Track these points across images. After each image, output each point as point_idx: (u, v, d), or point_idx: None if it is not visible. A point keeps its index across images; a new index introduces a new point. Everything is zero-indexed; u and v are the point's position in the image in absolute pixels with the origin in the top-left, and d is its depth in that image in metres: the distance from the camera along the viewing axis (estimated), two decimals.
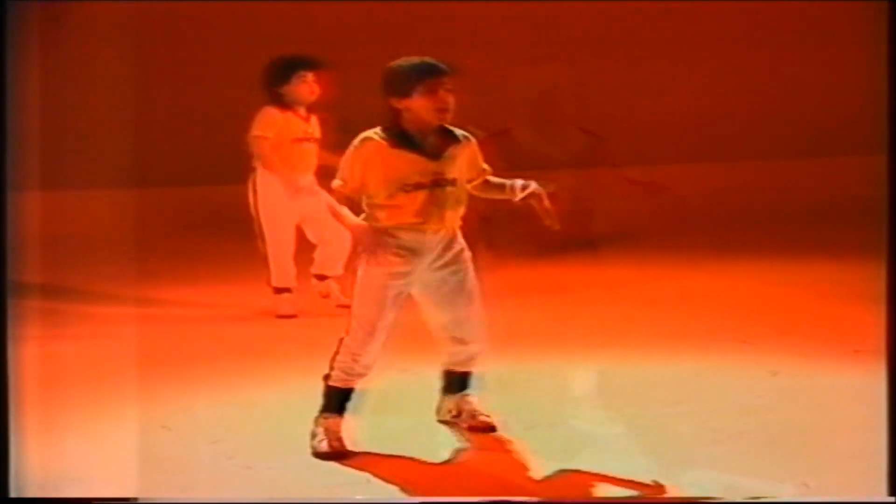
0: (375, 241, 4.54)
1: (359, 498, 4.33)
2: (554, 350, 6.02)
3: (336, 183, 4.60)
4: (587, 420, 5.05)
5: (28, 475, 4.14)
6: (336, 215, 4.64)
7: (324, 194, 4.94)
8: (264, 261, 6.96)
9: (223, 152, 8.04)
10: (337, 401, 4.66)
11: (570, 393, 5.50)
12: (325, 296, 6.98)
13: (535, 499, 4.31)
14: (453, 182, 4.59)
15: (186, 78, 10.23)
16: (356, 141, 4.57)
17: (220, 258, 8.52)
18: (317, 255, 7.03)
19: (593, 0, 10.54)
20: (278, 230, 6.90)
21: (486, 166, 4.74)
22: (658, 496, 4.25)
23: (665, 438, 4.75)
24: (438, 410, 4.93)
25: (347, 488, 4.34)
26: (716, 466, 4.46)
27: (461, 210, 4.65)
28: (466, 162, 4.65)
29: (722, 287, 7.56)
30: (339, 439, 4.62)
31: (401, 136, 4.53)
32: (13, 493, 4.05)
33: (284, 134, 6.81)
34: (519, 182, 4.71)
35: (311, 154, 6.79)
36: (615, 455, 4.59)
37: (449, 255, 4.65)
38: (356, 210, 4.61)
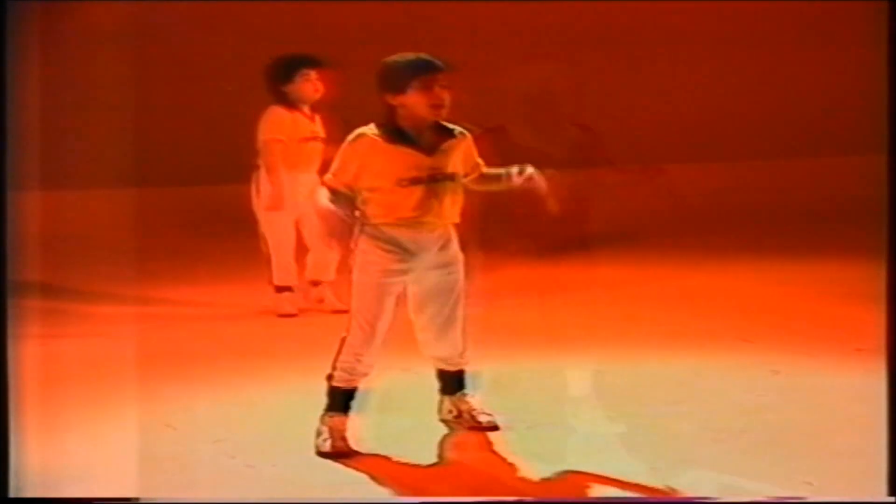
0: (343, 226, 4.53)
1: (359, 498, 4.33)
2: (554, 350, 6.01)
3: (327, 177, 4.61)
4: (588, 420, 5.05)
5: (28, 475, 4.14)
6: (314, 204, 4.64)
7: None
8: (266, 260, 6.96)
9: (223, 152, 8.04)
10: (341, 400, 4.66)
11: (571, 393, 5.49)
12: (320, 301, 6.98)
13: (533, 499, 4.31)
14: (450, 177, 4.59)
15: (186, 78, 10.23)
16: (350, 136, 4.58)
17: (221, 258, 8.52)
18: (309, 259, 7.03)
19: None
20: (280, 229, 6.91)
21: (479, 160, 4.74)
22: (658, 496, 4.25)
23: (666, 438, 4.75)
24: (440, 410, 4.94)
25: (349, 488, 4.34)
26: (716, 466, 4.46)
27: (459, 205, 4.65)
28: (462, 157, 4.65)
29: (722, 286, 7.56)
30: (344, 438, 4.62)
31: (396, 132, 4.53)
32: (13, 493, 4.05)
33: (293, 134, 6.81)
34: (515, 169, 4.71)
35: (317, 153, 6.79)
36: (615, 455, 4.59)
37: (445, 255, 4.65)
38: (349, 206, 4.61)
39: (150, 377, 5.51)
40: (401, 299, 4.67)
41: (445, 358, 4.84)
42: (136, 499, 4.22)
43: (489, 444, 4.74)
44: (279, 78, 6.86)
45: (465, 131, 4.67)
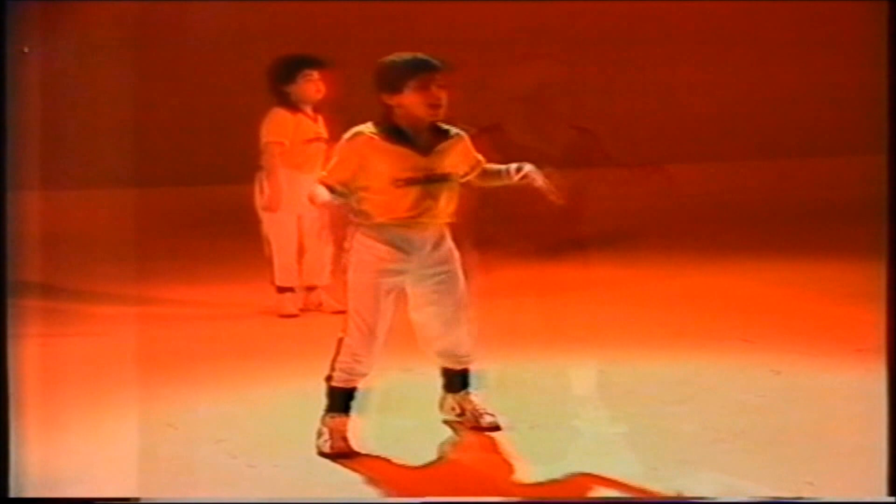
0: (344, 218, 4.53)
1: (360, 498, 4.33)
2: (555, 350, 6.01)
3: (322, 174, 4.60)
4: (588, 420, 5.05)
5: (28, 475, 4.14)
6: (311, 199, 4.64)
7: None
8: (268, 260, 6.96)
9: (223, 152, 8.06)
10: (341, 401, 4.66)
11: (572, 393, 5.49)
12: (318, 305, 6.97)
13: (533, 499, 4.31)
14: (445, 177, 4.59)
15: (186, 78, 10.24)
16: (347, 135, 4.57)
17: (221, 258, 8.52)
18: (304, 264, 7.02)
19: None
20: (283, 230, 6.91)
21: (480, 157, 4.74)
22: (658, 496, 4.25)
23: (667, 438, 4.75)
24: (441, 406, 4.94)
25: (350, 488, 4.34)
26: (718, 466, 4.46)
27: (453, 205, 4.65)
28: (459, 157, 4.65)
29: (724, 287, 7.56)
30: (345, 439, 4.62)
31: (393, 131, 4.53)
32: (13, 493, 4.05)
33: (296, 135, 6.81)
34: (514, 165, 4.71)
35: (320, 154, 6.78)
36: (616, 455, 4.59)
37: (439, 252, 4.64)
38: (345, 204, 4.60)
39: (150, 377, 5.51)
40: (400, 299, 4.67)
41: (451, 356, 4.83)
42: (137, 499, 4.22)
43: (490, 444, 4.74)
44: (281, 78, 6.85)
45: (460, 132, 4.67)
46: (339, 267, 4.73)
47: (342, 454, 4.58)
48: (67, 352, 6.06)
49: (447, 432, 4.84)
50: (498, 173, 4.74)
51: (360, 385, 4.68)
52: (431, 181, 4.55)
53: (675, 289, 7.54)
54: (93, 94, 9.21)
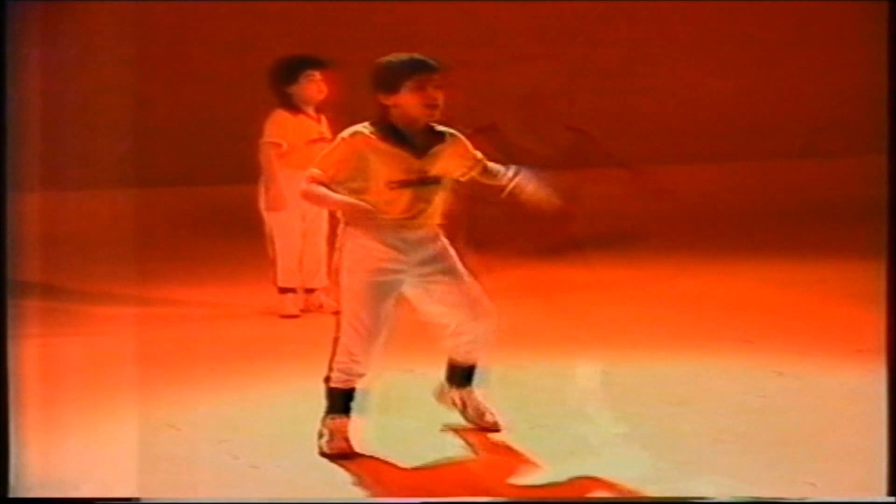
0: (364, 214, 4.50)
1: (361, 498, 4.33)
2: (557, 351, 6.02)
3: (313, 171, 4.57)
4: (590, 421, 5.05)
5: (28, 475, 4.14)
6: (318, 199, 4.63)
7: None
8: (271, 261, 6.95)
9: (223, 152, 8.06)
10: (341, 402, 4.66)
11: (573, 394, 5.48)
12: (319, 306, 6.97)
13: (533, 499, 4.31)
14: (437, 180, 4.58)
15: (186, 78, 10.23)
16: (345, 134, 4.57)
17: (221, 258, 8.51)
18: (304, 266, 7.01)
19: None
20: (288, 230, 6.89)
21: (479, 156, 4.73)
22: (658, 496, 4.25)
23: (669, 438, 4.75)
24: (439, 395, 4.91)
25: (352, 488, 4.34)
26: (720, 467, 4.46)
27: (445, 207, 4.64)
28: (455, 159, 4.64)
29: (725, 288, 7.55)
30: (346, 439, 4.62)
31: (389, 132, 4.52)
32: (13, 494, 4.05)
33: (299, 137, 6.78)
34: (510, 171, 4.71)
35: None
36: (619, 456, 4.59)
37: (432, 248, 4.62)
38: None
39: (151, 378, 5.51)
40: (401, 299, 4.66)
41: (466, 350, 4.78)
42: (138, 499, 4.22)
43: (492, 445, 4.74)
44: (283, 79, 6.85)
45: (456, 133, 4.66)
46: (332, 267, 4.72)
47: (343, 455, 4.57)
48: (68, 352, 6.07)
49: (449, 434, 4.83)
50: (496, 174, 4.74)
51: (360, 385, 4.67)
52: (425, 183, 4.55)
53: (676, 289, 7.54)
54: (93, 94, 9.21)
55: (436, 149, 4.58)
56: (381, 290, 4.58)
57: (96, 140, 8.97)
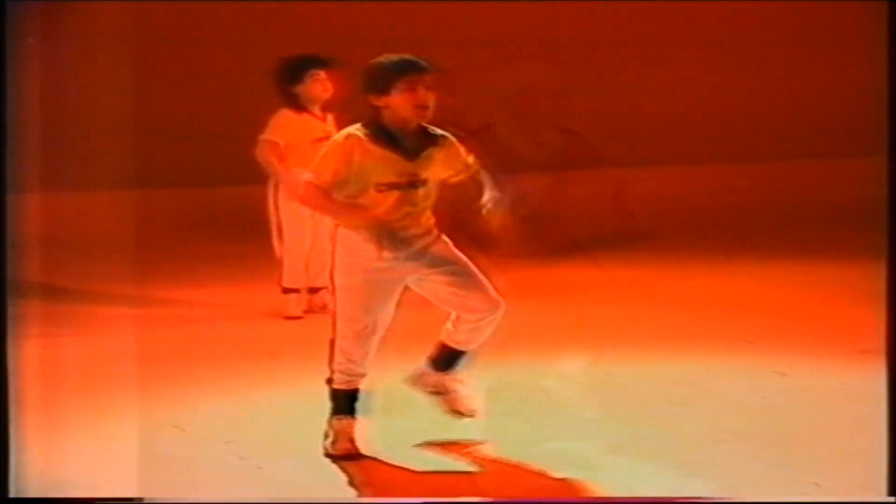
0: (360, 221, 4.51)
1: (363, 498, 4.33)
2: (560, 351, 6.02)
3: (307, 175, 4.57)
4: (593, 421, 5.05)
5: (28, 475, 4.14)
6: (316, 206, 4.62)
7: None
8: (277, 259, 6.94)
9: (224, 153, 8.03)
10: (345, 403, 4.66)
11: (577, 394, 5.48)
12: (323, 307, 6.97)
13: (533, 499, 4.31)
14: (425, 182, 4.57)
15: (187, 79, 10.23)
16: (338, 136, 4.57)
17: (222, 259, 8.51)
18: (309, 266, 7.01)
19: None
20: (296, 230, 6.88)
21: (471, 161, 4.71)
22: (658, 496, 4.25)
23: (671, 439, 4.75)
24: (415, 379, 4.80)
25: (358, 489, 4.34)
26: (722, 467, 4.46)
27: (430, 209, 4.62)
28: (445, 162, 4.63)
29: (727, 288, 7.56)
30: (352, 440, 4.63)
31: (381, 134, 4.51)
32: (13, 494, 4.05)
33: (303, 135, 6.76)
34: (492, 196, 4.69)
35: None
36: (622, 456, 4.59)
37: (429, 246, 4.60)
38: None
39: (154, 379, 5.51)
40: (402, 299, 4.65)
41: (467, 335, 4.68)
42: (140, 499, 4.22)
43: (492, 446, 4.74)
44: (288, 79, 6.85)
45: (448, 136, 4.64)
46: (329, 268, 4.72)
47: (349, 456, 4.58)
48: (68, 352, 6.06)
49: (448, 434, 4.83)
50: (482, 188, 4.71)
51: (363, 386, 4.67)
52: (414, 186, 4.54)
53: (677, 290, 7.54)
54: (93, 95, 9.20)
55: (427, 151, 4.57)
56: (376, 290, 4.56)
57: (96, 140, 8.96)
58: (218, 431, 4.93)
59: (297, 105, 6.84)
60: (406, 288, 4.65)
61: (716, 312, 6.93)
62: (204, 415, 5.18)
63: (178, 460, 4.61)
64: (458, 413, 4.78)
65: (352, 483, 4.40)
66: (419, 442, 4.75)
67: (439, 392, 4.81)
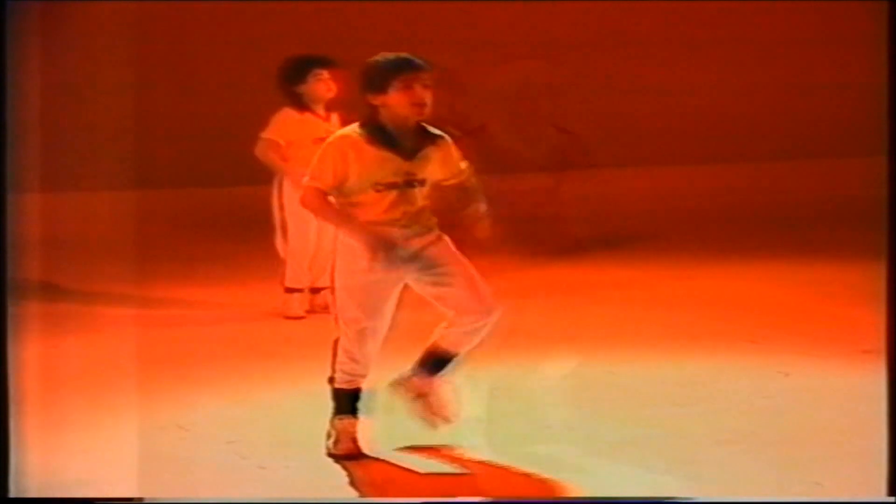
0: (368, 233, 4.49)
1: (364, 498, 4.33)
2: (562, 351, 6.01)
3: (305, 179, 4.57)
4: (594, 422, 5.04)
5: (28, 475, 4.14)
6: (318, 210, 4.61)
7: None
8: (281, 259, 6.94)
9: (225, 154, 8.04)
10: (347, 402, 4.66)
11: (579, 394, 5.48)
12: (325, 307, 6.95)
13: (533, 499, 4.31)
14: (422, 182, 4.57)
15: (187, 79, 10.24)
16: (332, 137, 4.58)
17: (223, 259, 8.52)
18: (312, 266, 7.01)
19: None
20: (301, 230, 6.87)
21: (464, 166, 4.70)
22: (659, 496, 4.25)
23: (674, 439, 4.75)
24: (398, 383, 4.71)
25: (360, 489, 4.34)
26: (725, 467, 4.46)
27: (427, 209, 4.62)
28: (441, 163, 4.62)
29: (729, 288, 7.56)
30: (354, 440, 4.63)
31: (378, 133, 4.51)
32: (13, 494, 4.05)
33: (305, 135, 6.75)
34: (478, 209, 4.69)
35: None
36: (625, 456, 4.59)
37: (428, 246, 4.59)
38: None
39: (156, 379, 5.51)
40: (402, 299, 4.65)
41: (464, 336, 4.63)
42: (141, 499, 4.22)
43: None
44: (291, 79, 6.85)
45: (445, 136, 4.64)
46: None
47: (351, 455, 4.58)
48: (68, 353, 6.06)
49: (449, 435, 4.83)
50: (470, 196, 4.71)
51: (364, 386, 4.67)
52: (411, 186, 4.54)
53: (679, 290, 7.54)
54: (93, 95, 9.21)
55: (424, 151, 4.57)
56: (375, 290, 4.56)
57: (96, 140, 8.96)
58: (220, 431, 4.93)
59: (301, 104, 6.84)
60: (406, 287, 4.64)
61: (716, 313, 6.93)
62: (206, 415, 5.18)
63: (179, 460, 4.61)
64: (438, 418, 4.70)
65: (353, 483, 4.40)
66: (419, 442, 4.74)
67: (421, 396, 4.73)
